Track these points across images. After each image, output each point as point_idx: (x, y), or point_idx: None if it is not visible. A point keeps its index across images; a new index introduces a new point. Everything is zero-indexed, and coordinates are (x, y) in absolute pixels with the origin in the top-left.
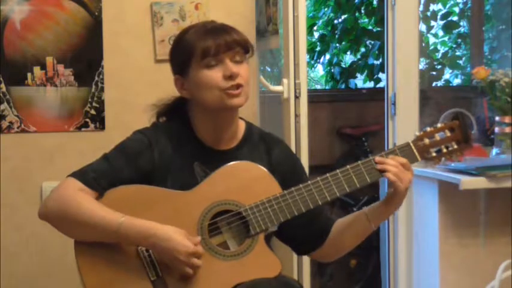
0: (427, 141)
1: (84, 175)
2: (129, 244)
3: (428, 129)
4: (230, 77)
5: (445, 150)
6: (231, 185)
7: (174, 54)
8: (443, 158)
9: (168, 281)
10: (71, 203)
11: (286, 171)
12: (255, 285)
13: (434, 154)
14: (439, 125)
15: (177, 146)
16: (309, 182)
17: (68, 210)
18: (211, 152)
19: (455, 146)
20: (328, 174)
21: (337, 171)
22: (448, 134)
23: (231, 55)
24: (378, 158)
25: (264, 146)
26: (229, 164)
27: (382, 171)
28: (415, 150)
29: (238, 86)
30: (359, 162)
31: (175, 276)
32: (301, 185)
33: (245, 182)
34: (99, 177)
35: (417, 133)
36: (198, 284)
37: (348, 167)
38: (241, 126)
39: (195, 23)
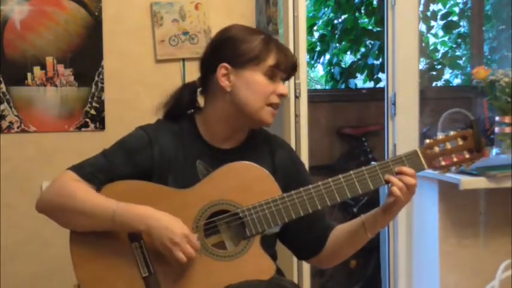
0: (436, 149)
1: (81, 169)
2: (125, 230)
3: (440, 136)
4: (281, 95)
5: (455, 159)
6: (230, 184)
7: (233, 44)
8: (453, 168)
9: (160, 278)
10: (66, 192)
11: (290, 174)
12: (244, 286)
13: (443, 163)
14: (451, 133)
15: (180, 144)
16: (310, 186)
17: (63, 198)
18: (214, 150)
19: (467, 156)
20: (330, 179)
21: (340, 176)
22: (461, 142)
23: (285, 76)
24: (386, 176)
25: (267, 148)
26: (229, 163)
27: (387, 182)
28: (422, 159)
29: (278, 106)
30: (363, 168)
31: (167, 274)
32: (301, 189)
33: (245, 182)
34: (96, 171)
35: (427, 140)
36: (189, 282)
37: (350, 172)
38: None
39: (260, 29)
